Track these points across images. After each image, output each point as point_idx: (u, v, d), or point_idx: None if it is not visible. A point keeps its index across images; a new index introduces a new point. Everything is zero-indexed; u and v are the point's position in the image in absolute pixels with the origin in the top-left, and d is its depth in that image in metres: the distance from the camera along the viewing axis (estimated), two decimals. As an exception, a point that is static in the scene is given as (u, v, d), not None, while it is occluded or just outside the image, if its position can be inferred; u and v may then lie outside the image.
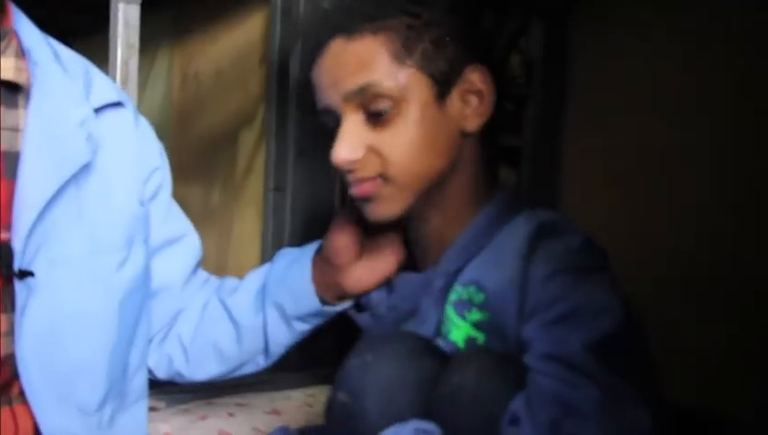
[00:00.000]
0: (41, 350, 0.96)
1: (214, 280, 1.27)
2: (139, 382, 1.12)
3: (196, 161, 2.95)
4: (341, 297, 1.16)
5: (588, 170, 1.74)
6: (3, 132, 0.96)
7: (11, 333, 0.96)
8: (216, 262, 2.77)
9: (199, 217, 3.10)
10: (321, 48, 1.07)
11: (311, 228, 2.48)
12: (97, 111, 1.04)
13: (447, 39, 1.03)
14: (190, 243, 1.23)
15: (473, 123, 1.05)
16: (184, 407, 1.49)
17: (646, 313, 1.00)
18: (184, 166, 3.12)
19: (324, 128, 1.10)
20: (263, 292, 1.17)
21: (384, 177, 1.03)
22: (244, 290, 1.21)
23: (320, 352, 2.39)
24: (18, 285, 0.94)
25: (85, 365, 1.02)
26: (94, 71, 1.10)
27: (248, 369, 1.23)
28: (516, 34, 1.87)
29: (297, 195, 2.42)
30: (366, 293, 1.14)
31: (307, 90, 2.43)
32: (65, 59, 1.05)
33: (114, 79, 1.55)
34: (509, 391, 0.89)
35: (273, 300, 1.15)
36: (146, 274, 1.11)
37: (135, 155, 1.09)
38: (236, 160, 2.68)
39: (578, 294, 0.92)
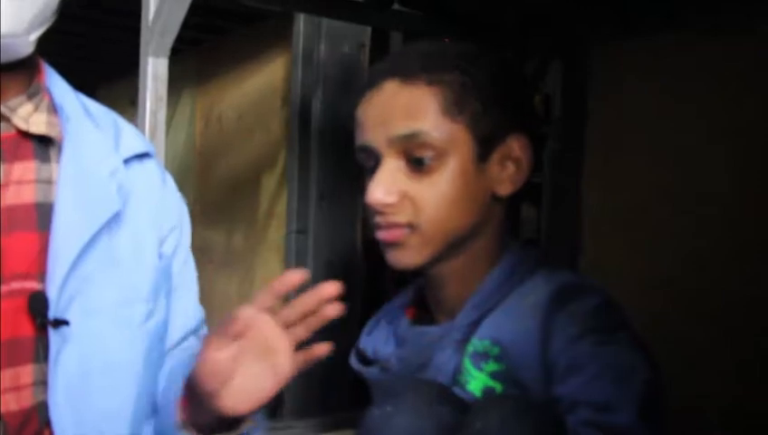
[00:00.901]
0: (74, 399, 0.96)
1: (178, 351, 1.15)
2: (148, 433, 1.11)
3: (220, 204, 2.99)
4: (224, 423, 0.98)
5: (606, 204, 1.75)
6: (37, 185, 0.98)
7: (43, 382, 0.96)
8: (238, 304, 2.78)
9: (222, 259, 3.12)
10: (372, 86, 1.07)
11: (332, 270, 2.50)
12: (126, 161, 1.07)
13: (496, 103, 1.05)
14: (188, 313, 1.17)
15: (506, 189, 1.06)
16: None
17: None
18: (207, 209, 3.15)
19: (359, 166, 1.10)
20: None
21: (413, 226, 1.03)
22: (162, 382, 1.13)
23: (340, 396, 2.39)
24: (52, 335, 0.95)
25: (113, 415, 1.02)
26: (122, 123, 1.12)
27: None
28: (536, 74, 1.90)
29: (319, 238, 2.45)
30: (247, 414, 0.94)
31: (329, 134, 2.47)
32: (95, 113, 1.08)
33: (143, 129, 1.59)
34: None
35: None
36: (165, 327, 1.10)
37: (158, 209, 1.10)
38: (259, 203, 2.72)
39: (608, 355, 0.94)
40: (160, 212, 1.09)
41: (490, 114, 1.04)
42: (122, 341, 1.01)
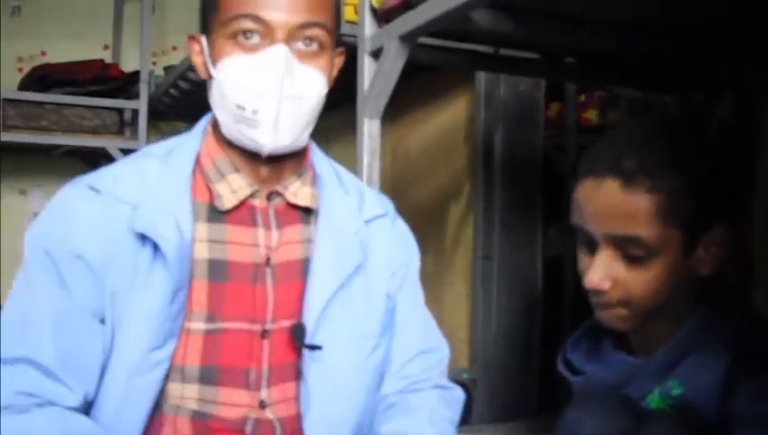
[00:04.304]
0: (318, 407, 1.18)
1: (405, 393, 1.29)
2: None
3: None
4: None
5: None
6: (301, 244, 1.22)
7: (299, 396, 1.19)
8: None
9: (413, 283, 3.27)
10: (593, 175, 1.14)
11: (516, 292, 2.63)
12: (366, 221, 1.28)
13: (709, 202, 1.11)
14: (410, 342, 1.31)
15: (708, 269, 1.15)
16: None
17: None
18: (398, 237, 3.30)
19: (573, 237, 1.20)
20: None
21: (624, 303, 1.15)
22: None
23: (525, 406, 2.52)
24: (306, 358, 1.18)
25: (344, 422, 1.21)
26: (365, 189, 1.35)
27: None
28: (711, 105, 1.98)
29: (503, 262, 2.60)
30: None
31: (509, 167, 2.60)
32: (345, 180, 1.30)
33: (362, 177, 1.82)
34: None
35: None
36: (384, 362, 1.28)
37: (389, 253, 1.29)
38: (446, 232, 2.86)
39: None
40: (391, 254, 1.29)
41: (702, 213, 1.12)
42: (354, 366, 1.23)
